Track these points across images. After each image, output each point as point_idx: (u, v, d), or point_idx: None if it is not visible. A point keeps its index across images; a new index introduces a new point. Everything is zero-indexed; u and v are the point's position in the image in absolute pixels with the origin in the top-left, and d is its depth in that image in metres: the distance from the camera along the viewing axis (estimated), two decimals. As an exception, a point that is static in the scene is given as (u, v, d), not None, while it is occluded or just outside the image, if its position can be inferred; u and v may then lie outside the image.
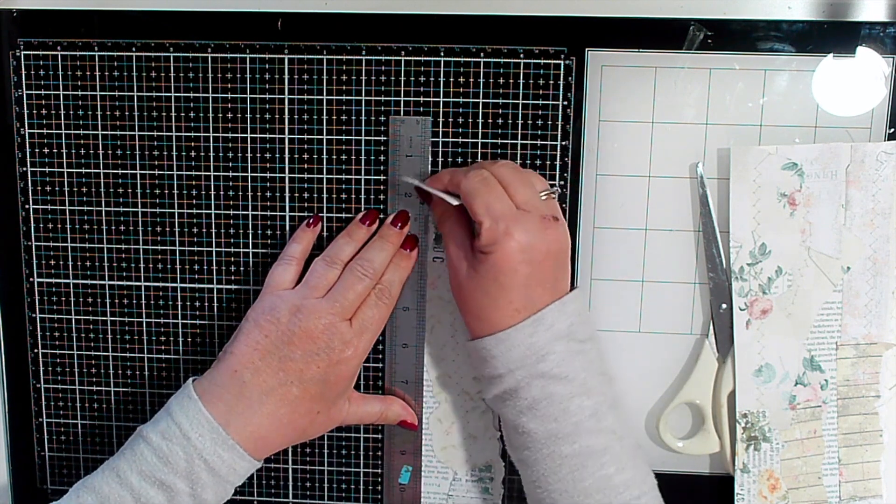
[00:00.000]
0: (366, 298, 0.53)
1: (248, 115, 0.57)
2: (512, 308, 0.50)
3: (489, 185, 0.50)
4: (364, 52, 0.56)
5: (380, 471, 0.60)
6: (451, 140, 0.56)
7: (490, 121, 0.56)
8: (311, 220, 0.56)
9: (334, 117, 0.57)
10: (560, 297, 0.51)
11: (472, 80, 0.56)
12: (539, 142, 0.56)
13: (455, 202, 0.51)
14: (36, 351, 0.61)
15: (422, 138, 0.56)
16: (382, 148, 0.57)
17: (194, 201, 0.58)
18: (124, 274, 0.59)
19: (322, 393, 0.52)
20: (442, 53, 0.56)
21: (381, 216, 0.56)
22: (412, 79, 0.56)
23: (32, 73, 0.57)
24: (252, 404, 0.50)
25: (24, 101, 0.58)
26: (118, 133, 0.58)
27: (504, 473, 0.59)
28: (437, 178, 0.54)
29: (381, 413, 0.57)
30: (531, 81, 0.55)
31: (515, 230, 0.49)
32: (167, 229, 0.58)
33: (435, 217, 0.55)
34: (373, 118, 0.56)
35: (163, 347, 0.60)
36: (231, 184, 0.58)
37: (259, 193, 0.58)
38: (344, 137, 0.57)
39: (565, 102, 0.56)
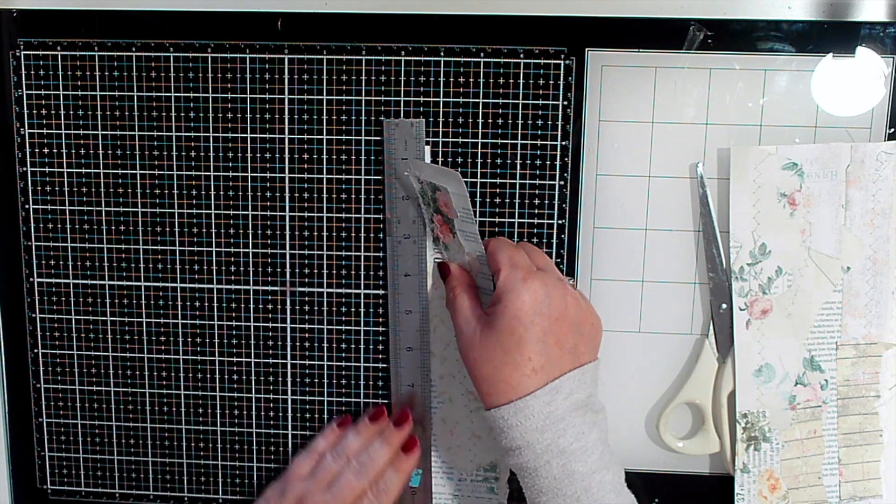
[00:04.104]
0: (363, 495, 0.55)
1: (248, 115, 0.57)
2: (530, 367, 0.49)
3: (515, 247, 0.53)
4: (364, 52, 0.56)
5: (380, 471, 0.60)
6: (450, 140, 0.56)
7: (490, 121, 0.56)
8: (341, 421, 0.59)
9: (334, 117, 0.57)
10: (580, 364, 0.50)
11: (471, 80, 0.56)
12: (539, 142, 0.56)
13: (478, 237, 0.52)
14: (36, 351, 0.61)
15: (416, 141, 0.56)
16: (382, 148, 0.57)
17: (194, 201, 0.58)
18: (124, 274, 0.59)
19: None
20: (442, 53, 0.56)
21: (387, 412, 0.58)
22: (412, 79, 0.56)
23: (32, 73, 0.57)
24: None
25: (24, 101, 0.58)
26: (118, 133, 0.58)
27: (509, 473, 0.59)
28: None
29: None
30: (531, 81, 0.55)
31: (533, 280, 0.49)
32: (167, 229, 0.58)
33: (447, 291, 0.55)
34: (373, 118, 0.56)
35: (163, 347, 0.60)
36: (231, 184, 0.58)
37: (259, 193, 0.58)
38: (344, 137, 0.57)
39: (565, 102, 0.56)
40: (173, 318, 0.59)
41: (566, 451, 0.48)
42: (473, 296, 0.53)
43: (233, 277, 0.59)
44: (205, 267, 0.59)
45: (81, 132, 0.58)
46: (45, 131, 0.58)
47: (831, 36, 0.54)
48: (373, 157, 0.57)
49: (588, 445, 0.49)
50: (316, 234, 0.58)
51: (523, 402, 0.48)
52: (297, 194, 0.58)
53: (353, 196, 0.57)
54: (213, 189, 0.58)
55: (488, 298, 0.52)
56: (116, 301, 0.60)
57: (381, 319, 0.59)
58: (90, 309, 0.60)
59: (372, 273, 0.58)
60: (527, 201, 0.57)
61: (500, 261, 0.51)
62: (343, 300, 0.58)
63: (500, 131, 0.56)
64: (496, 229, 0.57)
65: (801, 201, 0.55)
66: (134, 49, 0.57)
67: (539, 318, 0.49)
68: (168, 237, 0.59)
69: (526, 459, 0.49)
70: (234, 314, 0.59)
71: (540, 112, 0.56)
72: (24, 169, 0.58)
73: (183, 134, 0.57)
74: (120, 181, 0.58)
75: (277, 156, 0.57)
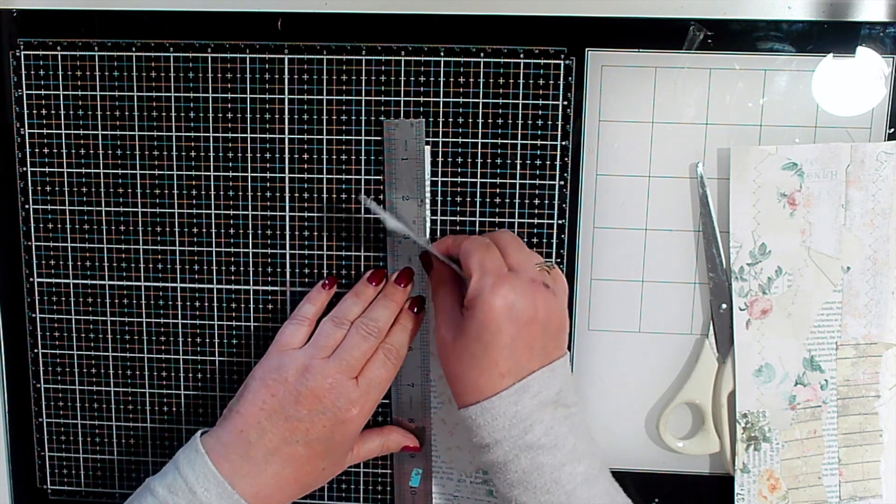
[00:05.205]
0: (372, 357, 0.53)
1: (248, 115, 0.57)
2: (497, 372, 0.49)
3: (487, 247, 0.51)
4: (364, 52, 0.56)
5: (379, 471, 0.60)
6: (450, 140, 0.56)
7: (490, 121, 0.56)
8: (326, 282, 0.57)
9: (334, 117, 0.57)
10: (549, 362, 0.50)
11: (472, 80, 0.56)
12: (539, 142, 0.56)
13: (455, 267, 0.51)
14: (36, 351, 0.61)
15: (416, 141, 0.56)
16: (382, 148, 0.57)
17: (194, 201, 0.58)
18: (124, 274, 0.59)
19: (327, 451, 0.52)
20: (442, 53, 0.56)
21: (388, 275, 0.57)
22: (412, 79, 0.56)
23: (32, 73, 0.57)
24: (258, 464, 0.50)
25: (24, 101, 0.58)
26: (118, 133, 0.58)
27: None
28: (440, 242, 0.54)
29: (382, 445, 0.57)
30: (531, 81, 0.55)
31: (502, 287, 0.49)
32: (167, 229, 0.58)
33: (430, 287, 0.55)
34: (373, 118, 0.56)
35: (163, 347, 0.60)
36: (231, 184, 0.58)
37: (259, 193, 0.58)
38: (344, 137, 0.57)
39: (565, 102, 0.56)
40: (173, 318, 0.59)
41: (534, 445, 0.49)
42: (453, 291, 0.53)
43: (233, 277, 0.59)
44: (205, 267, 0.59)
45: (81, 132, 0.58)
46: (45, 131, 0.58)
47: (831, 36, 0.54)
48: (373, 157, 0.57)
49: (558, 440, 0.49)
50: (316, 234, 0.58)
51: (490, 403, 0.49)
52: (297, 194, 0.58)
53: (352, 196, 0.57)
54: (213, 189, 0.58)
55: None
56: (116, 301, 0.60)
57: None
58: (90, 309, 0.60)
59: (372, 273, 0.58)
60: (527, 201, 0.57)
61: (471, 266, 0.50)
62: (343, 300, 0.58)
63: (500, 131, 0.56)
64: (496, 229, 0.57)
65: (801, 201, 0.55)
66: (134, 49, 0.57)
67: (507, 325, 0.49)
68: (168, 237, 0.59)
69: (495, 456, 0.49)
70: (234, 314, 0.59)
71: (540, 112, 0.56)
72: (24, 169, 0.58)
73: (183, 134, 0.57)
74: (120, 181, 0.58)
75: (277, 156, 0.57)
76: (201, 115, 0.57)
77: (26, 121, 0.58)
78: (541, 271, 0.52)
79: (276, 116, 0.57)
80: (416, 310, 0.55)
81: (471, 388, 0.50)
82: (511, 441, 0.49)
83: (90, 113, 0.57)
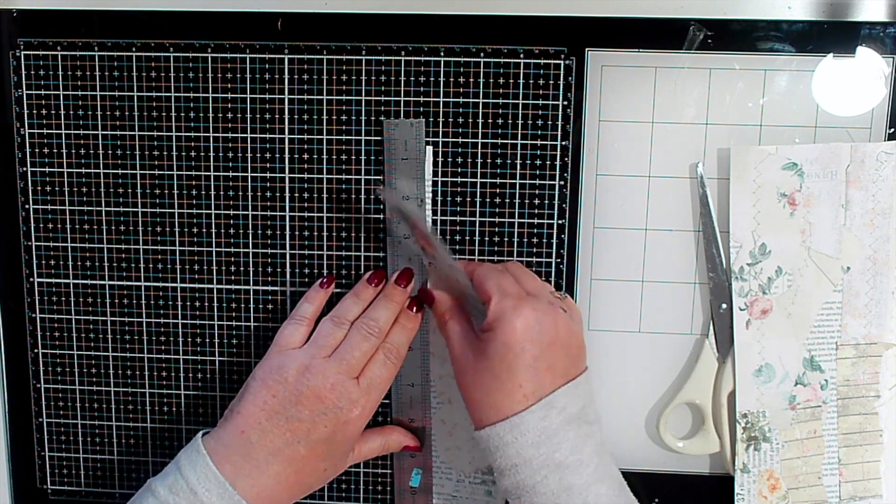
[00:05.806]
0: (373, 357, 0.53)
1: (248, 115, 0.57)
2: (521, 393, 0.48)
3: (502, 272, 0.52)
4: (364, 52, 0.56)
5: (379, 471, 0.60)
6: (450, 140, 0.56)
7: (490, 121, 0.56)
8: (324, 281, 0.56)
9: (334, 117, 0.57)
10: (571, 379, 0.50)
11: (472, 80, 0.56)
12: (539, 142, 0.56)
13: (466, 282, 0.52)
14: (36, 351, 0.61)
15: (416, 141, 0.56)
16: (382, 148, 0.57)
17: (194, 201, 0.58)
18: (124, 274, 0.59)
19: (329, 451, 0.52)
20: (442, 53, 0.56)
21: (388, 276, 0.56)
22: (412, 79, 0.56)
23: (32, 73, 0.57)
24: (259, 465, 0.50)
25: (24, 101, 0.58)
26: (118, 133, 0.58)
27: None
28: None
29: (383, 445, 0.57)
30: (531, 81, 0.55)
31: (524, 307, 0.49)
32: (167, 229, 0.58)
33: (436, 318, 0.54)
34: (373, 118, 0.56)
35: (163, 347, 0.60)
36: (231, 184, 0.58)
37: (259, 193, 0.58)
38: (344, 138, 0.57)
39: (565, 102, 0.56)
40: (173, 318, 0.60)
41: (562, 464, 0.48)
42: (463, 319, 0.53)
43: (233, 277, 0.59)
44: (205, 267, 0.59)
45: (81, 132, 0.58)
46: (45, 131, 0.58)
47: (831, 36, 0.54)
48: (373, 157, 0.57)
49: (584, 458, 0.48)
50: (316, 234, 0.58)
51: (519, 418, 0.48)
52: (297, 194, 0.58)
53: (352, 196, 0.57)
54: (213, 189, 0.58)
55: (478, 314, 0.52)
56: (116, 301, 0.60)
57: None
58: (90, 309, 0.60)
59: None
60: (527, 201, 0.57)
61: (489, 289, 0.50)
62: (343, 300, 0.58)
63: (500, 131, 0.56)
64: (496, 229, 0.57)
65: (801, 201, 0.55)
66: (134, 49, 0.57)
67: (530, 345, 0.48)
68: (168, 237, 0.59)
69: (523, 477, 0.48)
70: (234, 314, 0.59)
71: (540, 112, 0.56)
72: (24, 169, 0.58)
73: (183, 134, 0.57)
74: (120, 181, 0.58)
75: (277, 156, 0.57)
76: (201, 115, 0.57)
77: (26, 121, 0.58)
78: (555, 298, 0.52)
79: (276, 116, 0.57)
80: (415, 310, 0.55)
81: (492, 408, 0.49)
82: (540, 460, 0.48)
83: (90, 113, 0.57)
